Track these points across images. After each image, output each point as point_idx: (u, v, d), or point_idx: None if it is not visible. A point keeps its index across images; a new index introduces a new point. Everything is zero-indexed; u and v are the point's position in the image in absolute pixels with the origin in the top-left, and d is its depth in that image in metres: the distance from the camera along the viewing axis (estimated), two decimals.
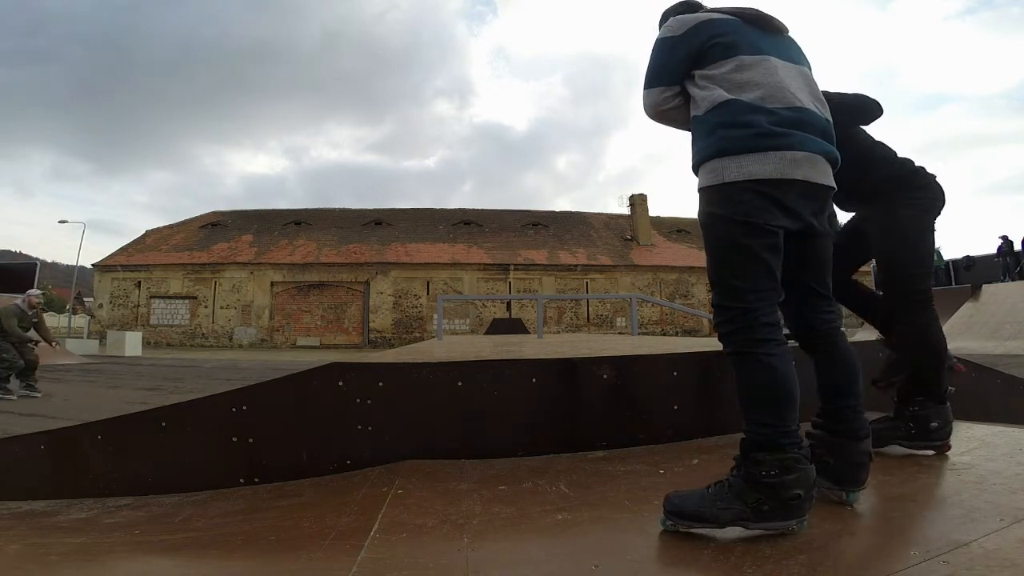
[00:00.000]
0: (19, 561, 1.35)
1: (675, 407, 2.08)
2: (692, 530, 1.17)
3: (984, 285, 14.06)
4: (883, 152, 1.91)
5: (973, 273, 15.92)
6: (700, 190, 1.32)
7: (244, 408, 1.95)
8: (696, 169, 1.34)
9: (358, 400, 1.91)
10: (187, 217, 30.95)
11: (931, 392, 1.74)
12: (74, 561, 1.36)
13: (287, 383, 2.04)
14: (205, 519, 1.59)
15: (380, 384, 1.93)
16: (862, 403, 1.39)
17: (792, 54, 1.41)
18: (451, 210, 31.80)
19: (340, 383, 1.93)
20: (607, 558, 1.10)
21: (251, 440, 1.92)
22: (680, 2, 1.59)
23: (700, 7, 1.54)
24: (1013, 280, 14.56)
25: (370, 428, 1.90)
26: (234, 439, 1.92)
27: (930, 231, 1.83)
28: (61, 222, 27.52)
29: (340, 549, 1.23)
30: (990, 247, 18.14)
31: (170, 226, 29.98)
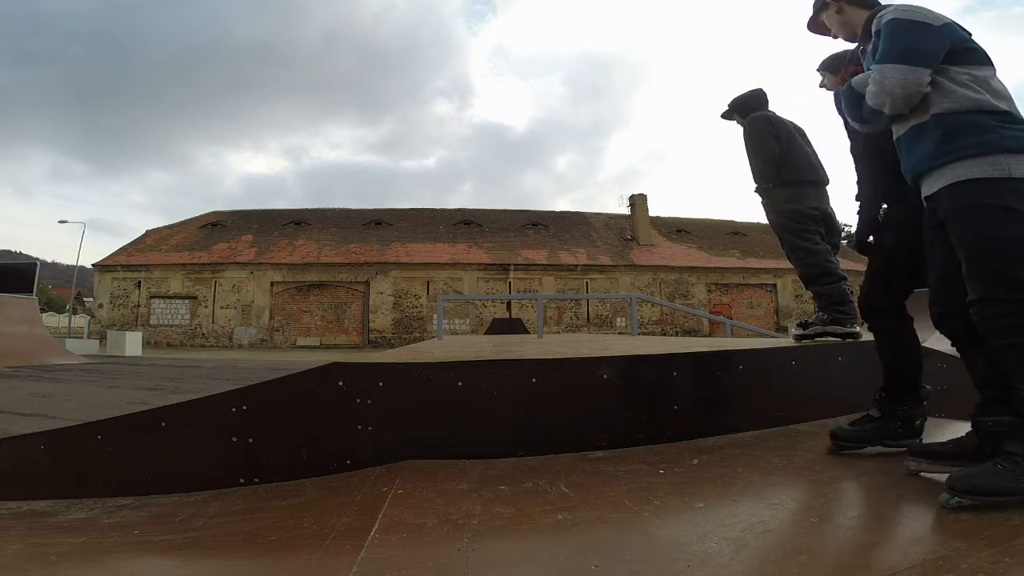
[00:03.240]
0: (19, 561, 1.35)
1: (675, 407, 2.08)
2: (988, 503, 1.19)
3: None
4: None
5: None
6: (969, 181, 1.30)
7: (244, 408, 1.95)
8: (946, 162, 1.34)
9: (358, 400, 1.91)
10: (187, 217, 30.97)
11: (915, 390, 1.75)
12: (74, 561, 1.36)
13: (287, 383, 2.04)
14: (205, 519, 1.59)
15: (380, 384, 1.93)
16: None
17: None
18: (451, 210, 31.81)
19: (340, 383, 1.93)
20: (607, 558, 1.10)
21: (251, 440, 1.92)
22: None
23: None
24: None
25: (370, 428, 1.90)
26: (234, 439, 1.92)
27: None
28: (61, 222, 27.52)
29: (340, 549, 1.23)
30: None
31: (170, 226, 29.98)
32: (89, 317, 27.83)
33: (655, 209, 32.34)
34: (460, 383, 1.96)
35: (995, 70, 1.40)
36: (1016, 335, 1.24)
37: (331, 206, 32.05)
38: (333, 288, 26.77)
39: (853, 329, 2.51)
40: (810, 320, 2.67)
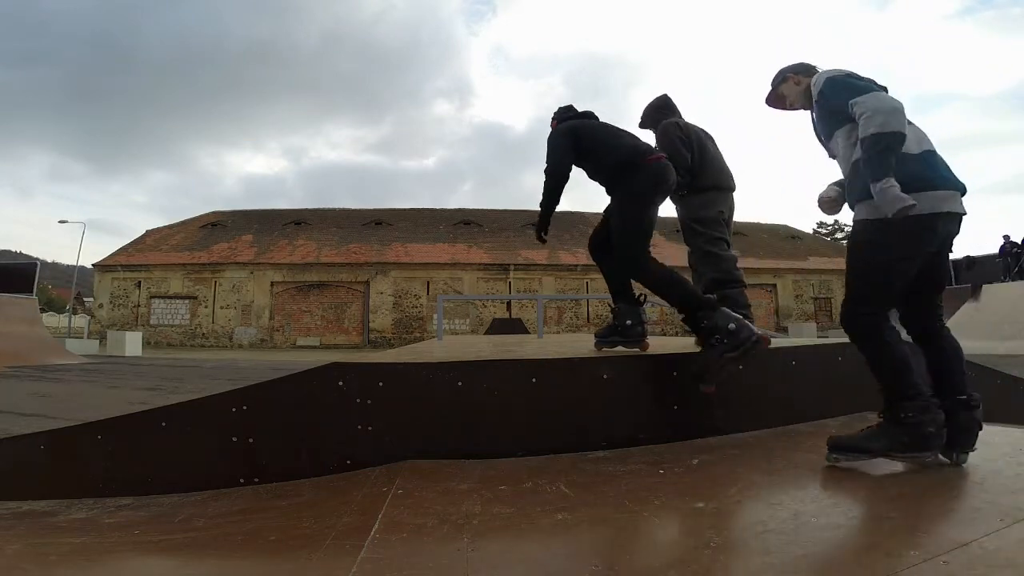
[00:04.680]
0: (19, 561, 1.35)
1: (675, 407, 2.08)
2: (851, 462, 1.58)
3: (984, 285, 14.04)
4: (616, 141, 2.41)
5: (973, 273, 15.91)
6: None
7: (244, 408, 1.95)
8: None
9: (358, 400, 1.91)
10: (187, 217, 30.96)
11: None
12: (74, 561, 1.36)
13: (287, 383, 2.04)
14: (205, 519, 1.59)
15: (380, 384, 1.93)
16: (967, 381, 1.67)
17: None
18: (451, 210, 31.79)
19: (340, 383, 1.93)
20: (607, 558, 1.10)
21: (251, 440, 1.92)
22: (800, 63, 2.00)
23: (816, 71, 1.93)
24: (1014, 280, 14.55)
25: (370, 428, 1.90)
26: (234, 439, 1.92)
27: (645, 209, 2.33)
28: (61, 222, 27.47)
29: (340, 549, 1.23)
30: (990, 247, 18.14)
31: (170, 226, 29.98)
32: (89, 317, 27.83)
33: None
34: (460, 383, 1.95)
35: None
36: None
37: (331, 206, 32.04)
38: (333, 288, 26.76)
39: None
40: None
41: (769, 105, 2.11)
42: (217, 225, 29.47)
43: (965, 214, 1.65)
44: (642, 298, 2.46)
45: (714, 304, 2.10)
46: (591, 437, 1.95)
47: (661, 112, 3.06)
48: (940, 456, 1.59)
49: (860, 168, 1.61)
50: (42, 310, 17.47)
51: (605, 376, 2.05)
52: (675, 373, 2.12)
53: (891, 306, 1.72)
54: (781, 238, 32.44)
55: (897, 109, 1.57)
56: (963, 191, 1.63)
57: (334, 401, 1.92)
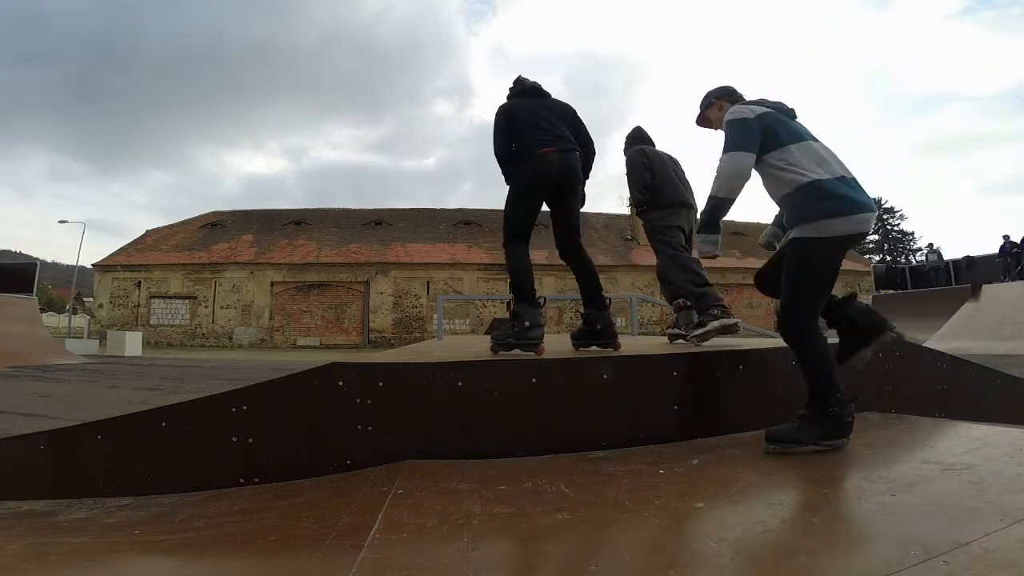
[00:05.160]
0: (19, 561, 1.35)
1: (675, 407, 2.08)
2: (789, 450, 1.76)
3: (984, 285, 14.03)
4: (525, 127, 2.52)
5: (973, 273, 15.90)
6: (797, 239, 1.86)
7: (244, 408, 1.95)
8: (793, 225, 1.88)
9: (358, 400, 1.91)
10: (187, 217, 30.95)
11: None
12: (74, 561, 1.36)
13: (287, 383, 2.04)
14: (205, 519, 1.59)
15: (380, 384, 1.93)
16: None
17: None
18: (451, 210, 31.78)
19: (340, 383, 1.93)
20: (607, 558, 1.10)
21: (251, 440, 1.92)
22: (724, 86, 2.20)
23: (738, 96, 2.15)
24: (1013, 280, 14.55)
25: (370, 428, 1.90)
26: (234, 439, 1.92)
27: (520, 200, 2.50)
28: (61, 222, 27.44)
29: (340, 549, 1.23)
30: (990, 247, 18.13)
31: (170, 226, 29.97)
32: (89, 317, 27.83)
33: None
34: (460, 383, 1.95)
35: (797, 139, 1.88)
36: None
37: (331, 206, 32.03)
38: (333, 288, 26.76)
39: (734, 320, 2.89)
40: (694, 323, 2.96)
41: (699, 125, 2.30)
42: (217, 225, 29.47)
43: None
44: (608, 302, 2.64)
45: (531, 300, 2.42)
46: (591, 437, 1.95)
47: (634, 141, 3.55)
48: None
49: (791, 200, 1.85)
50: (42, 310, 17.47)
51: (605, 376, 2.05)
52: (675, 373, 2.12)
53: (820, 313, 1.91)
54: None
55: (743, 175, 1.90)
56: (874, 211, 1.86)
57: (334, 401, 1.92)
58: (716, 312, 2.84)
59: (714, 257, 2.03)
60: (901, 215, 50.48)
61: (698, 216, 3.17)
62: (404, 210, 31.46)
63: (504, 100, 2.70)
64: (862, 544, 1.14)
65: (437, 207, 31.95)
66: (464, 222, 30.09)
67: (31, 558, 1.37)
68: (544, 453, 1.88)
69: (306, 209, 31.51)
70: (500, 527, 1.31)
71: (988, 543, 1.02)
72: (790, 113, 2.00)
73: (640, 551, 1.15)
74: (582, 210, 2.78)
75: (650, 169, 3.27)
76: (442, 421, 1.94)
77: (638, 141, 3.53)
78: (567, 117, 2.64)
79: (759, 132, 1.87)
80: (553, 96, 2.72)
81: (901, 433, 2.07)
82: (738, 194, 1.92)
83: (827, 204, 1.75)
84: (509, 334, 2.37)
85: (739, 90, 2.19)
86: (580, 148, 2.62)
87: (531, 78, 2.76)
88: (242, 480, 1.88)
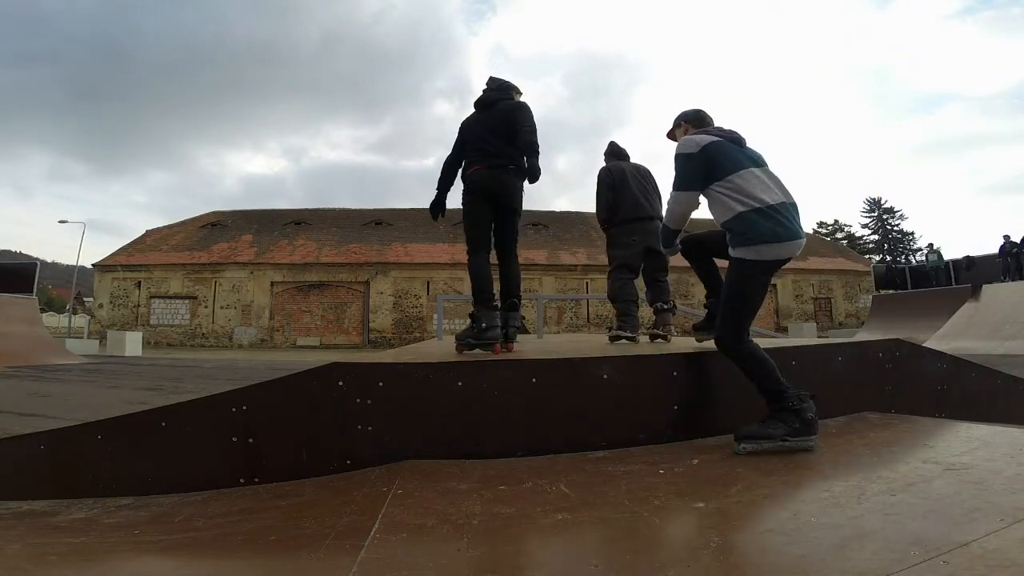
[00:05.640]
0: (19, 561, 1.35)
1: (675, 407, 2.08)
2: (760, 446, 1.83)
3: (984, 285, 14.03)
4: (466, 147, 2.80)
5: (973, 273, 15.90)
6: (734, 259, 2.04)
7: (244, 408, 1.95)
8: (734, 247, 2.03)
9: (358, 400, 1.91)
10: (187, 217, 30.96)
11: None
12: (74, 561, 1.36)
13: (287, 383, 2.04)
14: (205, 519, 1.59)
15: (380, 384, 1.93)
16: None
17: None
18: (451, 210, 31.65)
19: (340, 383, 1.93)
20: (607, 558, 1.10)
21: (251, 440, 1.92)
22: (694, 110, 2.40)
23: (707, 121, 2.34)
24: (1013, 280, 14.55)
25: (370, 428, 1.90)
26: (234, 439, 1.92)
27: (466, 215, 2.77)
28: (61, 222, 27.45)
29: (340, 549, 1.23)
30: (990, 247, 18.12)
31: (170, 226, 29.98)
32: (89, 317, 27.83)
33: None
34: (460, 383, 1.95)
35: (740, 168, 2.04)
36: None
37: (331, 206, 32.05)
38: (333, 288, 26.77)
39: (634, 334, 3.44)
40: (616, 327, 3.48)
41: (668, 138, 2.51)
42: (217, 225, 29.47)
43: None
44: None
45: (488, 304, 2.60)
46: (591, 437, 1.95)
47: (607, 157, 3.82)
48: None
49: (733, 225, 2.02)
50: (42, 310, 17.48)
51: (605, 376, 2.05)
52: (675, 373, 2.12)
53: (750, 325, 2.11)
54: None
55: (687, 212, 2.19)
56: (803, 238, 2.04)
57: (334, 401, 1.92)
58: (624, 327, 3.41)
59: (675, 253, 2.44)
60: (901, 215, 50.52)
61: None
62: (404, 210, 31.45)
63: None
64: (862, 544, 1.14)
65: None
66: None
67: (31, 558, 1.37)
68: (544, 453, 1.88)
69: (306, 209, 31.52)
70: (500, 527, 1.31)
71: (988, 543, 1.03)
72: (739, 141, 2.16)
73: (640, 551, 1.15)
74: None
75: (612, 188, 3.55)
76: (442, 421, 1.94)
77: (611, 157, 3.78)
78: (505, 123, 2.69)
79: (701, 166, 2.07)
80: (509, 101, 2.80)
81: (901, 433, 2.07)
82: (686, 223, 2.24)
83: (765, 231, 1.94)
84: (469, 335, 2.57)
85: (709, 114, 2.40)
86: (518, 151, 2.68)
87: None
88: (242, 480, 1.88)
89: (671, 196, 2.18)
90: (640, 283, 3.64)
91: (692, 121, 2.35)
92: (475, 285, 2.67)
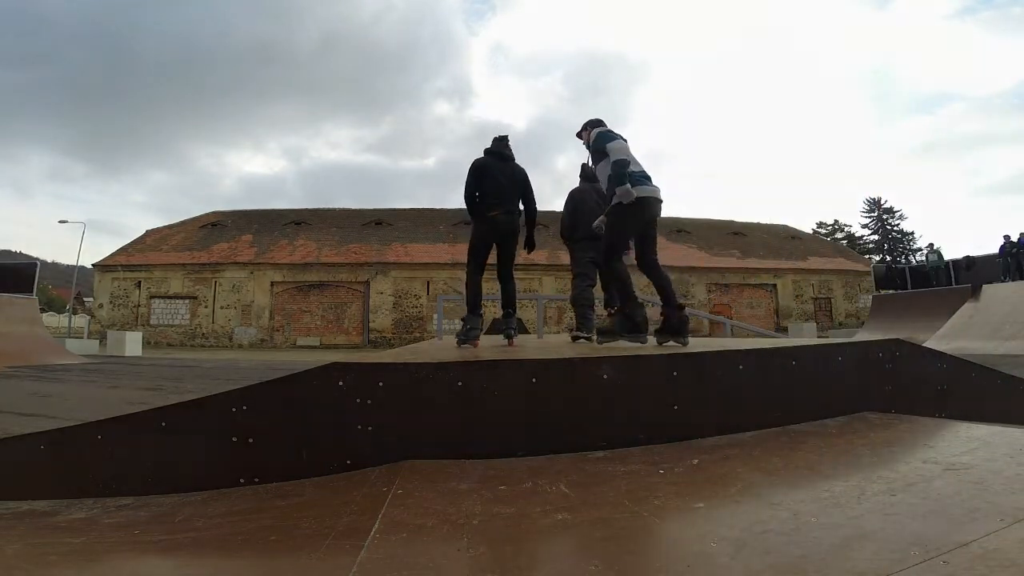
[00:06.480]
0: (19, 561, 1.35)
1: (675, 407, 2.08)
2: (611, 341, 3.06)
3: (984, 285, 14.03)
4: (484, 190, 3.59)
5: (973, 273, 15.90)
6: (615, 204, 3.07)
7: (244, 408, 1.95)
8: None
9: (358, 400, 1.91)
10: (187, 217, 30.96)
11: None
12: (74, 561, 1.36)
13: (287, 383, 2.04)
14: (205, 519, 1.59)
15: (380, 384, 1.93)
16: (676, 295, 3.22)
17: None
18: (451, 210, 31.77)
19: (340, 383, 1.93)
20: (607, 558, 1.10)
21: (251, 440, 1.92)
22: (595, 119, 3.45)
23: (604, 124, 3.38)
24: (1013, 280, 14.55)
25: (370, 428, 1.90)
26: (234, 439, 1.92)
27: (474, 244, 3.64)
28: (61, 222, 27.43)
29: (340, 549, 1.23)
30: (990, 247, 18.12)
31: (170, 226, 29.99)
32: (89, 317, 27.84)
33: None
34: (460, 383, 1.96)
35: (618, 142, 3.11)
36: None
37: (331, 206, 32.04)
38: (333, 288, 26.78)
39: (590, 334, 3.96)
40: (576, 327, 4.15)
41: (577, 137, 3.52)
42: (217, 225, 29.48)
43: (662, 201, 3.10)
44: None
45: (474, 312, 3.57)
46: (591, 437, 1.95)
47: (580, 179, 4.47)
48: (670, 341, 2.92)
49: (611, 180, 3.01)
50: (42, 310, 17.46)
51: (605, 376, 2.05)
52: (675, 373, 2.12)
53: (624, 250, 3.25)
54: (781, 238, 32.44)
55: (624, 149, 3.03)
56: (657, 188, 3.08)
57: (334, 401, 1.92)
58: (582, 327, 4.04)
59: (633, 200, 2.96)
60: (901, 215, 50.53)
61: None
62: (404, 210, 31.48)
63: (483, 151, 3.64)
64: (862, 544, 1.14)
65: (437, 207, 31.95)
66: (464, 222, 29.98)
67: (31, 558, 1.37)
68: (544, 453, 1.88)
69: (306, 209, 31.53)
70: (500, 527, 1.31)
71: (988, 543, 1.03)
72: (623, 139, 3.17)
73: (640, 551, 1.15)
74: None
75: (572, 212, 4.28)
76: (442, 421, 1.94)
77: (581, 179, 4.45)
78: (519, 183, 3.59)
79: (616, 138, 3.15)
80: (514, 159, 3.65)
81: (901, 433, 2.07)
82: (628, 155, 3.04)
83: (637, 180, 2.99)
84: (460, 334, 3.49)
85: (611, 119, 3.39)
86: (524, 208, 3.65)
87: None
88: (242, 480, 1.88)
89: (612, 143, 3.06)
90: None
91: (597, 126, 3.35)
92: (468, 297, 3.61)
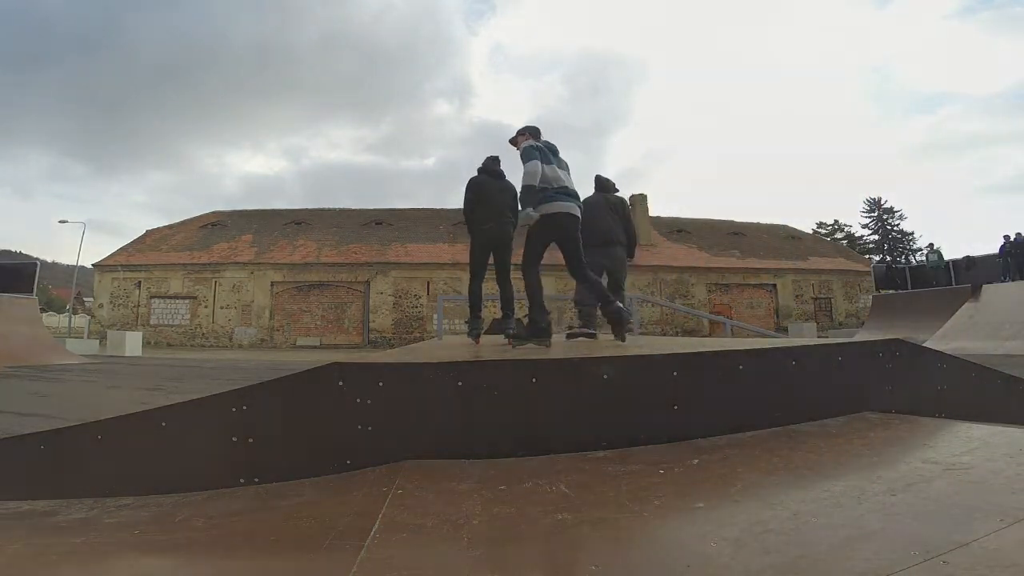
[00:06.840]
0: (19, 561, 1.35)
1: (675, 407, 2.08)
2: (522, 345, 3.19)
3: (984, 285, 14.02)
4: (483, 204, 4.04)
5: (973, 273, 15.89)
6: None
7: (244, 408, 1.95)
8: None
9: (358, 400, 1.91)
10: (187, 217, 30.96)
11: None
12: (74, 561, 1.36)
13: (287, 383, 2.04)
14: (205, 519, 1.59)
15: (380, 384, 1.93)
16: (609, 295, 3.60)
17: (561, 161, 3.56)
18: (451, 210, 31.73)
19: (340, 383, 1.93)
20: (607, 558, 1.10)
21: (251, 440, 1.92)
22: (531, 127, 3.66)
23: (539, 134, 3.63)
24: (1013, 280, 14.54)
25: (370, 428, 1.90)
26: (234, 439, 1.92)
27: (473, 255, 4.11)
28: (61, 222, 27.45)
29: (340, 549, 1.23)
30: (990, 247, 18.11)
31: (170, 226, 29.99)
32: (89, 317, 27.84)
33: (655, 209, 32.28)
34: (460, 383, 1.95)
35: (548, 163, 3.40)
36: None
37: (331, 206, 32.04)
38: (333, 288, 26.77)
39: (593, 331, 4.42)
40: (580, 325, 4.55)
41: (510, 143, 3.73)
42: (217, 225, 29.48)
43: (578, 216, 3.45)
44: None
45: (475, 315, 4.13)
46: (591, 437, 1.95)
47: (595, 190, 4.85)
48: (528, 344, 3.24)
49: (519, 199, 3.43)
50: (42, 310, 17.46)
51: (605, 376, 2.05)
52: (675, 373, 2.12)
53: (536, 261, 3.53)
54: (781, 238, 32.44)
55: (534, 173, 3.27)
56: (578, 202, 3.50)
57: (334, 401, 1.92)
58: (586, 325, 4.47)
59: (532, 221, 3.32)
60: (901, 215, 50.52)
61: (623, 250, 4.81)
62: (404, 210, 31.47)
63: (478, 170, 4.05)
64: (862, 544, 1.14)
65: (437, 207, 31.94)
66: (464, 222, 30.07)
67: (31, 558, 1.37)
68: (544, 453, 1.88)
69: (306, 209, 31.52)
70: (500, 527, 1.31)
71: (988, 543, 1.03)
72: (554, 150, 3.53)
73: (640, 551, 1.15)
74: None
75: (584, 221, 4.48)
76: (442, 421, 1.94)
77: (597, 189, 4.78)
78: (509, 198, 3.95)
79: (540, 154, 3.37)
80: (505, 176, 4.07)
81: (901, 433, 2.07)
82: (537, 180, 3.30)
83: (548, 198, 3.31)
84: (468, 332, 4.13)
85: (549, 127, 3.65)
86: (512, 216, 3.94)
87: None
88: (242, 480, 1.88)
89: (527, 164, 3.30)
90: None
91: (530, 134, 3.59)
92: (471, 303, 4.14)
